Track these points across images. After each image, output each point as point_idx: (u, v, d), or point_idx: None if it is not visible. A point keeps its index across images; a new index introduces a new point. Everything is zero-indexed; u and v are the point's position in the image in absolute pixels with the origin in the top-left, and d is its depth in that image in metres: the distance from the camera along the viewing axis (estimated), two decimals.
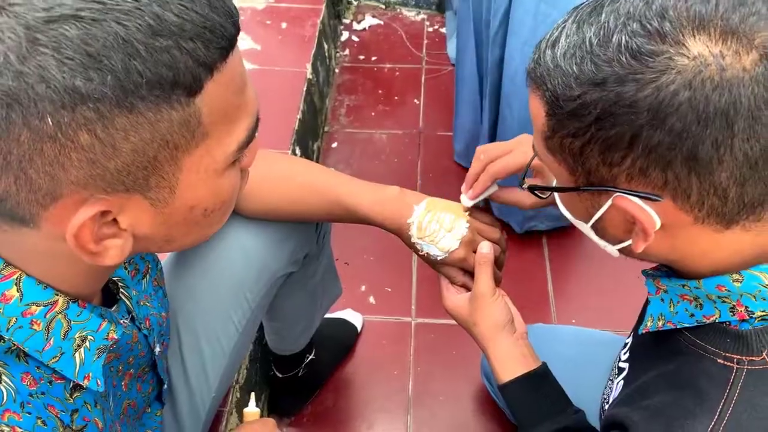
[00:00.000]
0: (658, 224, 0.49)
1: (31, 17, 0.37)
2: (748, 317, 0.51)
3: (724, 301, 0.52)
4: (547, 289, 1.54)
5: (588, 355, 0.99)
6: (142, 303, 0.68)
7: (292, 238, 0.91)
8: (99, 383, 0.54)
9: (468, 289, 0.83)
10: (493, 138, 1.51)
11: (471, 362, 1.37)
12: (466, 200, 0.82)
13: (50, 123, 0.38)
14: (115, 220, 0.45)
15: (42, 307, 0.49)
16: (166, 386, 0.78)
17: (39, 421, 0.48)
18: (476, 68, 1.51)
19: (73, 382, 0.52)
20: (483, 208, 0.85)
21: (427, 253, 0.81)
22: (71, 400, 0.53)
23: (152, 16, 0.39)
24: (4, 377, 0.47)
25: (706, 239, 0.50)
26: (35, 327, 0.48)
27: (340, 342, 1.42)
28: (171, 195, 0.45)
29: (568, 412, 0.75)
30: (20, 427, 0.47)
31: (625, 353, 0.71)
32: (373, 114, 1.98)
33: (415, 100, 2.02)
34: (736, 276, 0.50)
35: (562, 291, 1.53)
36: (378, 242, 1.63)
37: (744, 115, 0.43)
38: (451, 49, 2.13)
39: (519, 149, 0.77)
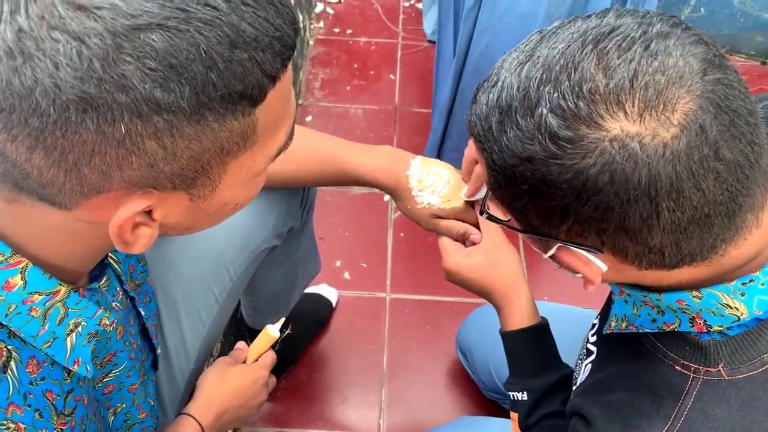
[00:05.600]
0: (605, 268, 0.50)
1: (118, 23, 0.34)
2: (706, 330, 0.53)
3: (684, 312, 0.53)
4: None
5: (561, 332, 1.01)
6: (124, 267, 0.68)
7: (276, 211, 0.90)
8: (88, 369, 0.54)
9: (465, 242, 0.82)
10: (449, 114, 1.51)
11: (446, 338, 1.38)
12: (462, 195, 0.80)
13: (122, 130, 0.37)
14: (149, 211, 0.44)
15: (43, 296, 0.48)
16: (159, 351, 0.77)
17: (37, 414, 0.49)
18: (453, 45, 1.51)
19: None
20: None
21: (428, 203, 0.80)
22: (68, 380, 0.53)
23: (230, 26, 0.37)
24: (12, 364, 0.47)
25: (656, 275, 0.51)
26: (33, 313, 0.48)
27: (316, 317, 1.41)
28: (211, 192, 0.45)
29: (564, 365, 0.78)
30: (23, 423, 0.47)
31: (593, 335, 0.72)
32: (348, 88, 1.95)
33: (391, 76, 2.00)
34: (695, 293, 0.51)
35: (535, 269, 1.55)
36: (353, 218, 1.62)
37: (666, 190, 0.42)
38: (427, 25, 2.12)
39: None
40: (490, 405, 1.26)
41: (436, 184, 0.80)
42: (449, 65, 1.55)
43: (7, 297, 0.46)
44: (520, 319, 0.77)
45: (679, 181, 0.42)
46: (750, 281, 0.49)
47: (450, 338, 1.32)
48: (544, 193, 0.45)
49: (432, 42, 2.06)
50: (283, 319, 0.88)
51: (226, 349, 1.25)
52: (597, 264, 0.50)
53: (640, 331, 0.57)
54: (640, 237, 0.45)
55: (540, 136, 0.43)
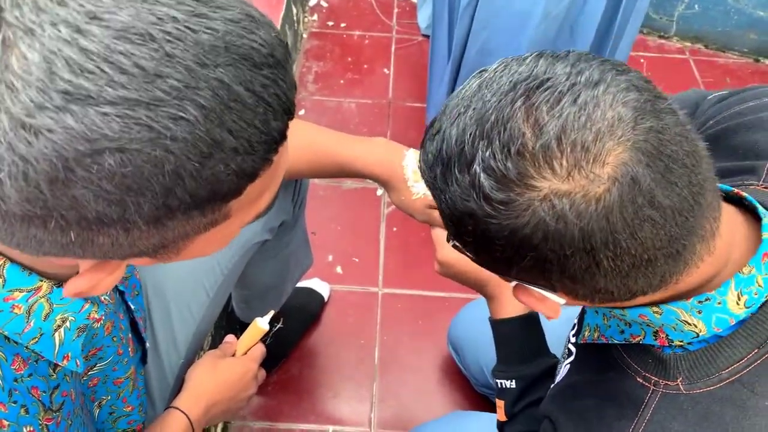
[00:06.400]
0: (562, 302, 0.51)
1: (71, 148, 0.31)
2: (668, 344, 0.53)
3: (648, 325, 0.54)
4: None
5: (550, 328, 1.02)
6: None
7: None
8: (78, 363, 0.53)
9: None
10: None
11: (437, 332, 1.38)
12: None
13: (72, 237, 0.35)
14: None
15: (25, 293, 0.48)
16: (148, 345, 0.77)
17: (22, 410, 0.48)
18: (448, 43, 1.50)
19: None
20: None
21: (424, 194, 0.81)
22: (54, 376, 0.53)
23: (205, 139, 0.33)
24: None
25: (612, 304, 0.51)
26: (16, 311, 0.47)
27: (307, 311, 1.41)
28: (176, 255, 0.43)
29: (552, 355, 0.80)
30: (6, 420, 0.47)
31: (573, 335, 0.73)
32: (341, 82, 1.94)
33: (385, 70, 1.99)
34: (656, 309, 0.52)
35: None
36: (345, 212, 1.62)
37: (603, 243, 0.42)
38: (422, 19, 2.11)
39: None
40: (481, 400, 1.27)
41: None
42: (444, 63, 1.54)
43: None
44: (512, 309, 0.79)
45: (614, 234, 0.42)
46: (706, 300, 0.50)
47: (442, 333, 1.32)
48: (488, 246, 0.46)
49: (426, 36, 2.05)
50: (272, 312, 0.87)
51: (217, 342, 1.24)
52: (553, 299, 0.50)
53: (610, 342, 0.58)
54: (585, 282, 0.45)
55: (475, 195, 0.43)
